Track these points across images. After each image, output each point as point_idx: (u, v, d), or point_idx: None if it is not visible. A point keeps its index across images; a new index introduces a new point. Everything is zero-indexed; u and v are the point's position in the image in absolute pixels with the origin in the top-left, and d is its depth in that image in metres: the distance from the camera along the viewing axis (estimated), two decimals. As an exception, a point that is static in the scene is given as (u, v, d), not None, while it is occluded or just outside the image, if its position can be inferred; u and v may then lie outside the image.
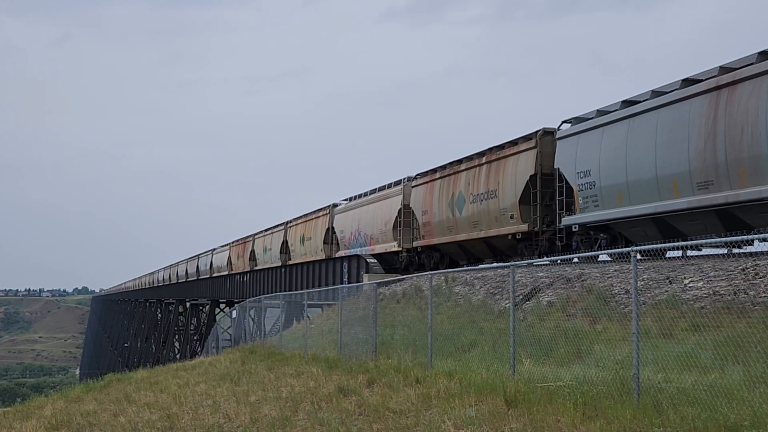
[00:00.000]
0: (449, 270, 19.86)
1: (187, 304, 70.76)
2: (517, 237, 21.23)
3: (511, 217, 21.38)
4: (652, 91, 16.86)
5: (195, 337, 65.25)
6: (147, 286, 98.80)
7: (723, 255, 13.65)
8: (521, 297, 15.95)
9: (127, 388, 15.86)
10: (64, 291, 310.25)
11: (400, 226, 29.10)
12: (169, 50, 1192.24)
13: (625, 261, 14.36)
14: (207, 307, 64.38)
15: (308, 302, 24.58)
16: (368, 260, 31.07)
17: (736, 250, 13.83)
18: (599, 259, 16.94)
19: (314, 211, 39.95)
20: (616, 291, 13.62)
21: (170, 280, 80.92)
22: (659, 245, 11.81)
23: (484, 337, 14.21)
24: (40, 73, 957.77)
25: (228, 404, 11.40)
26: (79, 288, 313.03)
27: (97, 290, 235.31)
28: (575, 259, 17.05)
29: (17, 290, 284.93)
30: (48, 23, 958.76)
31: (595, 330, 11.44)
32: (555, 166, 19.87)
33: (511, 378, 10.14)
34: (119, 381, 17.87)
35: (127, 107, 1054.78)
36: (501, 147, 22.77)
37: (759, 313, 9.82)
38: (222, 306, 60.47)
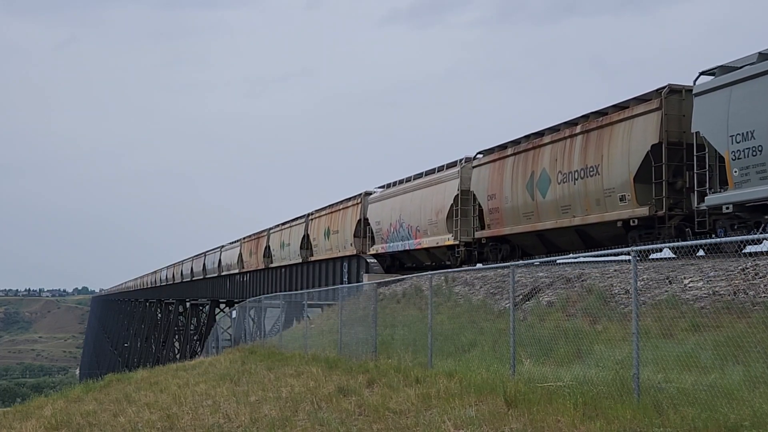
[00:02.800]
0: (449, 270, 19.57)
1: (187, 304, 70.71)
2: (631, 223, 17.43)
3: (622, 199, 17.49)
4: None
5: (195, 337, 65.30)
6: (148, 286, 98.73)
7: (722, 255, 13.58)
8: (521, 297, 15.94)
9: (127, 388, 15.86)
10: (64, 291, 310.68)
11: (456, 216, 24.87)
12: (171, 52, 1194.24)
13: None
14: (207, 307, 64.29)
15: (308, 302, 24.57)
16: (368, 260, 30.91)
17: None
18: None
19: (342, 201, 35.54)
20: (616, 291, 13.62)
21: (173, 280, 79.18)
22: (659, 245, 11.84)
23: (484, 337, 14.21)
24: (44, 75, 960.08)
25: (228, 404, 11.40)
26: (79, 288, 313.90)
27: (97, 290, 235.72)
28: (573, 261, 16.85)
29: (17, 290, 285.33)
30: (54, 26, 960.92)
31: (595, 330, 11.44)
32: (693, 130, 15.59)
33: (511, 378, 10.14)
34: (119, 381, 17.87)
35: (129, 108, 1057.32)
36: (602, 113, 18.80)
37: (759, 313, 9.82)
38: (222, 306, 60.29)
